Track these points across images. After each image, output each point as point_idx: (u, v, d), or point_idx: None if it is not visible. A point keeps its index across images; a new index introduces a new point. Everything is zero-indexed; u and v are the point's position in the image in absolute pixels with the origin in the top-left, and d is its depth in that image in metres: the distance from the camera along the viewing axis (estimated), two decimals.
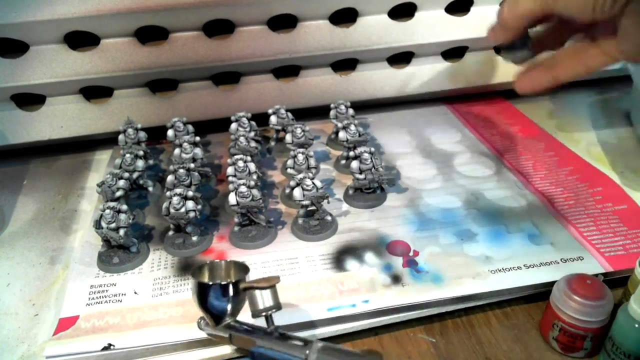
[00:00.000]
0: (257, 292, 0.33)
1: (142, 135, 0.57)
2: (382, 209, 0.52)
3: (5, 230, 0.52)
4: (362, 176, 0.50)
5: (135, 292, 0.42)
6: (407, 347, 0.39)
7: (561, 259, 0.44)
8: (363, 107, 0.69)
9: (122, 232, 0.44)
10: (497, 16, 0.38)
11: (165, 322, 0.39)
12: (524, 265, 0.44)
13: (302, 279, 0.43)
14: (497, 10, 0.38)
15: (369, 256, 0.45)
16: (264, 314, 0.33)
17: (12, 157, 0.63)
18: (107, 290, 0.43)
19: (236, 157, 0.50)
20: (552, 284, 0.38)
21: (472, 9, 0.65)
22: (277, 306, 0.33)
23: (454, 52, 0.68)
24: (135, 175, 0.52)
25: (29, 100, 0.59)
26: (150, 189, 0.55)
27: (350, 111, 0.61)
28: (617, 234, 0.47)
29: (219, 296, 0.33)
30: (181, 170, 0.49)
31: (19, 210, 0.54)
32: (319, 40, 0.62)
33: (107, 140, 0.63)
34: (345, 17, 0.62)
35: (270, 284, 0.33)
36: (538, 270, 0.43)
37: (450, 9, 0.65)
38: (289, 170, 0.51)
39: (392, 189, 0.54)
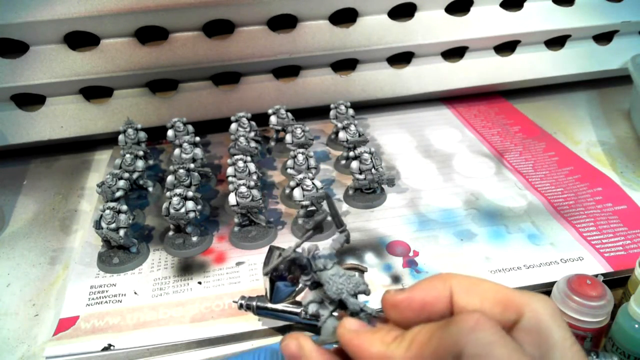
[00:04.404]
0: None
1: (142, 135, 0.57)
2: (382, 209, 0.52)
3: (5, 230, 0.52)
4: (362, 176, 0.50)
5: (135, 293, 0.42)
6: None
7: (561, 259, 0.44)
8: (363, 107, 0.69)
9: (122, 232, 0.44)
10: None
11: (165, 323, 0.39)
12: (524, 265, 0.44)
13: None
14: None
15: (369, 256, 0.45)
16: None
17: (12, 157, 0.63)
18: (107, 291, 0.43)
19: (236, 157, 0.50)
20: (552, 284, 0.38)
21: (472, 9, 0.65)
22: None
23: (454, 52, 0.68)
24: (135, 175, 0.52)
25: (29, 100, 0.59)
26: (150, 189, 0.54)
27: (350, 111, 0.60)
28: (617, 234, 0.47)
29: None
30: (181, 171, 0.49)
31: (19, 210, 0.54)
32: (319, 40, 0.62)
33: (107, 140, 0.63)
34: (345, 17, 0.62)
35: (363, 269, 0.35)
36: (538, 270, 0.43)
37: (450, 9, 0.65)
38: (289, 171, 0.51)
39: (392, 189, 0.54)
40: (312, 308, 0.25)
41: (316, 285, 0.25)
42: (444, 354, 0.19)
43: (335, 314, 0.25)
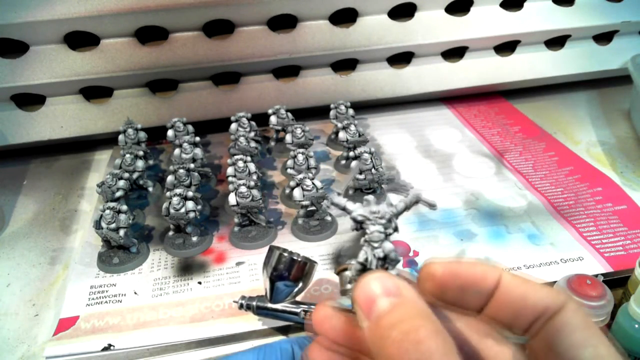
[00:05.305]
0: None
1: (142, 135, 0.57)
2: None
3: (5, 230, 0.52)
4: (362, 176, 0.50)
5: (135, 293, 0.42)
6: None
7: (561, 259, 0.44)
8: (363, 107, 0.69)
9: (122, 232, 0.44)
10: None
11: (165, 323, 0.39)
12: (524, 265, 0.44)
13: None
14: None
15: None
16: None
17: (12, 157, 0.63)
18: (107, 291, 0.43)
19: (236, 157, 0.50)
20: (552, 284, 0.38)
21: (472, 9, 0.65)
22: None
23: (454, 52, 0.68)
24: (135, 175, 0.52)
25: (29, 100, 0.59)
26: (150, 189, 0.54)
27: (350, 111, 0.60)
28: (617, 234, 0.47)
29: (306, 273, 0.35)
30: (181, 171, 0.49)
31: (19, 210, 0.54)
32: (319, 40, 0.62)
33: (107, 140, 0.63)
34: (345, 17, 0.62)
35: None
36: (538, 270, 0.43)
37: (450, 9, 0.65)
38: (289, 171, 0.51)
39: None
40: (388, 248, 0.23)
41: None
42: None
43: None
